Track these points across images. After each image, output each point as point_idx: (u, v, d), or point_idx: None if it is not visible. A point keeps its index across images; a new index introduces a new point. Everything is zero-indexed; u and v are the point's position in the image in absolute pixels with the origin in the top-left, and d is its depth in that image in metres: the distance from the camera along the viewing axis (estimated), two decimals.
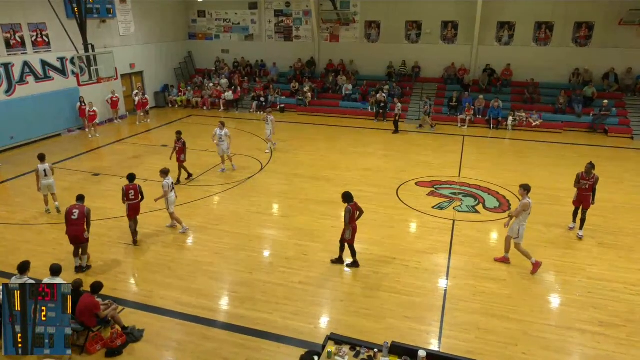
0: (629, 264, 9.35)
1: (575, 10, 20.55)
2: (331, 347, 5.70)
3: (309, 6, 23.75)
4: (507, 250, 9.37)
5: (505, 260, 9.42)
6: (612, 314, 7.80)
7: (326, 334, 6.20)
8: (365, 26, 23.81)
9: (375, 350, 5.70)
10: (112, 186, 13.38)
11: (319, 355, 5.78)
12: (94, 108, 18.69)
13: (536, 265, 9.07)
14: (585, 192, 10.39)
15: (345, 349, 5.70)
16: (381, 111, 21.48)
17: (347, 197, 8.84)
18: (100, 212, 11.45)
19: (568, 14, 20.73)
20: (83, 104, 18.75)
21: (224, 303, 8.26)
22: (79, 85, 16.50)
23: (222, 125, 14.27)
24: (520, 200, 8.97)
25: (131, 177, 10.01)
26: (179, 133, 13.57)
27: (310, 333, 7.34)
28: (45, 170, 11.33)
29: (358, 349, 5.69)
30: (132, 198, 9.80)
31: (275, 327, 7.49)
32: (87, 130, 18.99)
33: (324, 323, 7.67)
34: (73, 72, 18.78)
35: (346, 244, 9.15)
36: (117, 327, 7.20)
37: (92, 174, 14.48)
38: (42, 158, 11.40)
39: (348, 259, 9.34)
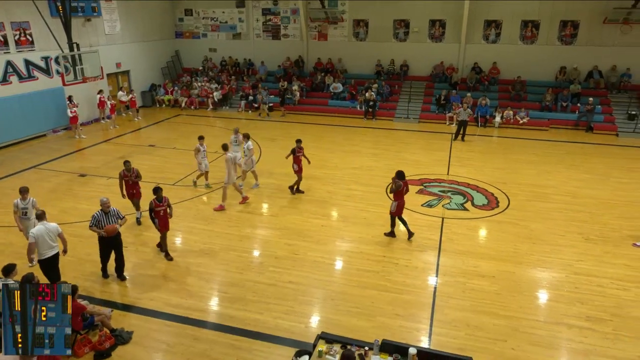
0: (614, 259, 9.49)
1: (561, 8, 20.77)
2: (322, 346, 5.71)
3: (297, 5, 23.70)
4: (241, 192, 12.20)
5: (245, 200, 12.14)
6: (598, 309, 7.91)
7: (317, 333, 6.20)
8: (353, 25, 23.82)
9: (366, 348, 5.71)
10: (98, 187, 13.22)
11: (310, 354, 5.77)
12: (75, 109, 18.35)
13: (220, 208, 11.73)
14: None
15: (336, 347, 5.70)
16: (370, 110, 21.51)
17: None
18: (87, 214, 11.26)
19: (554, 13, 20.96)
20: (71, 103, 18.45)
21: (214, 304, 8.21)
22: (64, 84, 16.24)
23: (247, 137, 13.10)
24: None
25: None
26: (299, 141, 12.73)
27: (301, 332, 7.32)
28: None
29: (349, 347, 5.69)
30: None
31: (266, 327, 7.47)
32: (73, 130, 18.72)
33: (315, 322, 7.66)
34: (58, 72, 18.51)
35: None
36: (105, 329, 7.12)
37: (79, 175, 14.29)
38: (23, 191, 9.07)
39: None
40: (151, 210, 9.09)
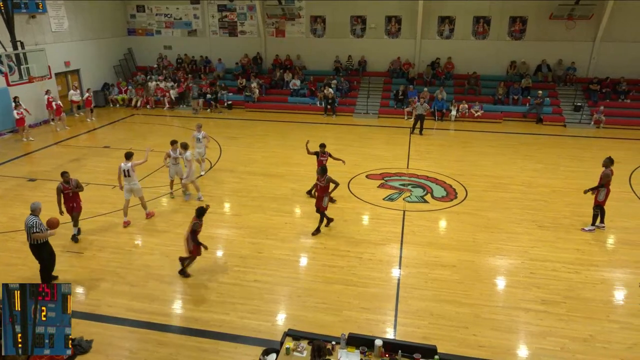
0: (566, 245, 9.97)
1: (510, 5, 21.55)
2: (289, 343, 5.69)
3: (253, 1, 23.42)
4: (145, 206, 11.17)
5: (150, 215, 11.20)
6: (553, 292, 8.29)
7: (284, 330, 6.19)
8: (310, 21, 23.81)
9: (333, 342, 5.75)
10: (50, 192, 12.59)
11: (278, 352, 5.75)
12: (22, 110, 17.40)
13: (126, 224, 10.72)
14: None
15: (304, 343, 5.70)
16: (330, 106, 21.59)
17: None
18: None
19: (503, 9, 21.70)
20: (18, 104, 17.45)
21: (178, 307, 8.04)
22: (8, 85, 15.38)
23: (180, 147, 11.99)
24: None
25: None
26: (323, 146, 12.00)
27: (268, 331, 7.29)
28: None
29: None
30: None
31: (232, 327, 7.38)
32: (20, 133, 17.77)
33: (282, 320, 7.64)
34: (1, 72, 17.48)
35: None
36: None
37: (28, 180, 13.62)
38: None
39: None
40: (195, 232, 8.50)
